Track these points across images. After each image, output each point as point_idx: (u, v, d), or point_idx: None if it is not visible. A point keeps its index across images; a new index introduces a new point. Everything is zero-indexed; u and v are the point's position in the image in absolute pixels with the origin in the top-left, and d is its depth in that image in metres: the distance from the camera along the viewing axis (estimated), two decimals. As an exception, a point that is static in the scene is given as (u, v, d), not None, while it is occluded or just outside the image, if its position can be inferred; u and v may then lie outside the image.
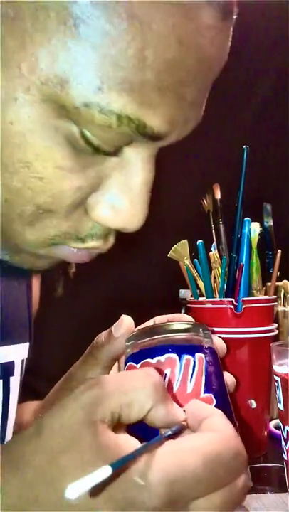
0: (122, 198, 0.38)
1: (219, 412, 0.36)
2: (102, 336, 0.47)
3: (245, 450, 0.34)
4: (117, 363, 0.50)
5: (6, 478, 0.32)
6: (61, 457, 0.31)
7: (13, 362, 0.56)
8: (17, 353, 0.57)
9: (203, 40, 0.35)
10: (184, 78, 0.35)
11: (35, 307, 0.66)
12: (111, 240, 0.42)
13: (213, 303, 0.73)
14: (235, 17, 0.38)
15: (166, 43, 0.33)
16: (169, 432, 0.34)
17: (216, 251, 0.78)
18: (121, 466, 0.30)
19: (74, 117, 0.35)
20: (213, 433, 0.34)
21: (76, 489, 0.28)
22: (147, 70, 0.33)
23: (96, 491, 0.30)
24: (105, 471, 0.28)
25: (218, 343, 0.44)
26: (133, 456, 0.31)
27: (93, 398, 0.33)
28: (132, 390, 0.33)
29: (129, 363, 0.41)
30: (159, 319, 0.50)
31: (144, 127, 0.35)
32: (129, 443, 0.32)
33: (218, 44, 0.36)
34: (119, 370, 0.51)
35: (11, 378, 0.56)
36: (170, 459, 0.31)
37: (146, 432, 0.34)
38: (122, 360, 0.47)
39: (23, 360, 0.58)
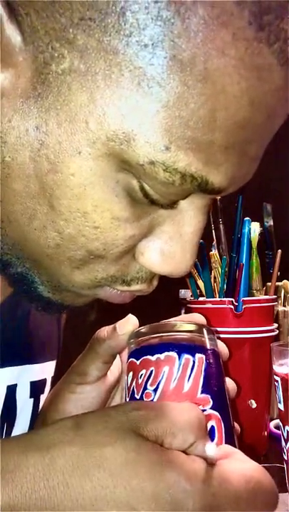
0: (173, 245, 0.38)
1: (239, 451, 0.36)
2: (105, 330, 0.47)
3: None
4: (120, 361, 0.50)
5: (30, 462, 0.31)
6: (103, 450, 0.31)
7: (45, 379, 0.56)
8: (49, 371, 0.57)
9: (272, 100, 0.34)
10: (251, 137, 0.35)
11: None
12: (155, 283, 0.42)
13: (213, 303, 0.73)
14: None
15: (238, 105, 0.32)
16: None
17: (216, 251, 0.78)
18: None
19: (136, 173, 0.34)
20: (255, 463, 0.34)
21: None
22: (216, 131, 0.32)
23: None
24: None
25: (221, 348, 0.44)
26: None
27: (142, 417, 0.33)
28: (179, 421, 0.33)
29: (130, 359, 0.41)
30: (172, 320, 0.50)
31: (206, 184, 0.34)
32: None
33: (284, 102, 0.36)
34: (122, 367, 0.51)
35: (41, 396, 0.55)
36: (215, 474, 0.32)
37: None
38: (124, 355, 0.47)
39: (52, 377, 0.58)
